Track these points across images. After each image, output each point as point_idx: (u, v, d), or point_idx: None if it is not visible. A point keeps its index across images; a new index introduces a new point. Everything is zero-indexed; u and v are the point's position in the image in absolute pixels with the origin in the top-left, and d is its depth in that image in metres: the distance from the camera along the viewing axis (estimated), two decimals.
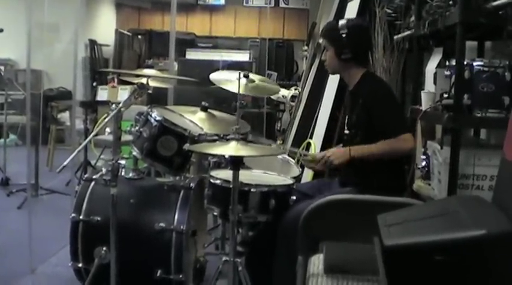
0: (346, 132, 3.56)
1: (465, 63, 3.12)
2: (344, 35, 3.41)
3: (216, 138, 3.96)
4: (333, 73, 3.86)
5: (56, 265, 4.33)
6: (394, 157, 3.33)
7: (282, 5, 13.84)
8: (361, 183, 3.30)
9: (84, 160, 6.86)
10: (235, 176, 2.86)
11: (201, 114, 4.04)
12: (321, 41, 3.76)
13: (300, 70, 12.17)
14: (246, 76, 3.76)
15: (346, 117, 3.60)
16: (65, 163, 2.70)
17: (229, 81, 3.79)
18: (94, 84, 9.35)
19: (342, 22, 3.48)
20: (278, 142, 4.82)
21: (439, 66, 3.83)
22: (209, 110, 4.10)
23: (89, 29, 11.59)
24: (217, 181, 3.24)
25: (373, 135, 3.29)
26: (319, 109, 5.90)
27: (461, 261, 1.61)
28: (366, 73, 3.52)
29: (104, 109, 8.04)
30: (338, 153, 3.38)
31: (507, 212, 1.82)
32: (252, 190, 3.14)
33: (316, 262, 2.70)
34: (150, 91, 3.38)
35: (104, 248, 3.13)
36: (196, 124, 3.72)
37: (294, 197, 3.26)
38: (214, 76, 3.91)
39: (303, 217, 2.89)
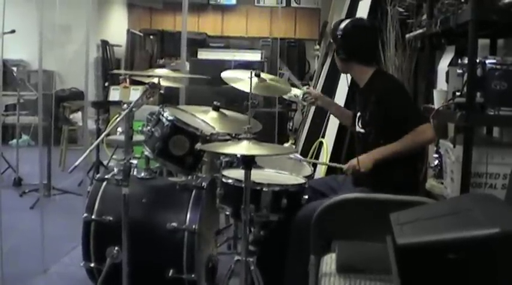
0: (361, 130, 3.55)
1: (477, 61, 3.09)
2: (339, 36, 3.53)
3: (227, 137, 3.96)
4: (343, 72, 3.85)
5: (68, 265, 4.35)
6: (417, 150, 3.44)
7: (293, 4, 13.84)
8: (374, 182, 3.30)
9: (96, 160, 6.89)
10: (247, 175, 2.85)
11: (213, 114, 4.03)
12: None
13: (311, 70, 12.16)
14: (258, 75, 3.74)
15: (358, 115, 3.60)
16: (77, 163, 2.70)
17: (241, 80, 3.77)
18: (106, 84, 9.39)
19: (342, 24, 3.56)
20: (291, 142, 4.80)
21: (451, 64, 3.81)
22: (221, 109, 4.09)
23: (101, 29, 11.62)
24: (229, 181, 3.24)
25: (388, 131, 3.32)
26: None
27: (474, 259, 1.60)
28: (376, 71, 3.56)
29: (115, 109, 8.08)
30: (363, 161, 3.34)
31: None
32: (264, 189, 3.13)
33: (329, 261, 2.70)
34: (161, 91, 3.38)
35: (116, 248, 3.14)
36: (208, 124, 3.72)
37: (306, 197, 3.26)
38: (226, 74, 3.88)
39: (315, 216, 2.88)
